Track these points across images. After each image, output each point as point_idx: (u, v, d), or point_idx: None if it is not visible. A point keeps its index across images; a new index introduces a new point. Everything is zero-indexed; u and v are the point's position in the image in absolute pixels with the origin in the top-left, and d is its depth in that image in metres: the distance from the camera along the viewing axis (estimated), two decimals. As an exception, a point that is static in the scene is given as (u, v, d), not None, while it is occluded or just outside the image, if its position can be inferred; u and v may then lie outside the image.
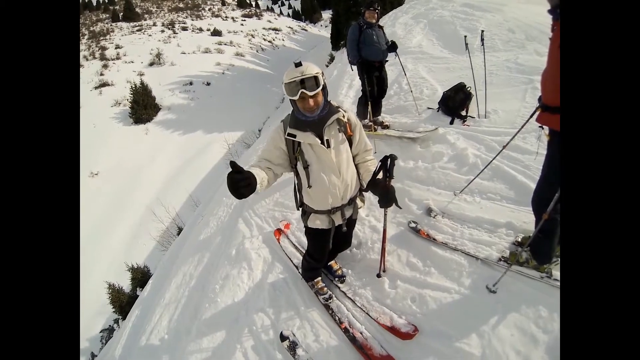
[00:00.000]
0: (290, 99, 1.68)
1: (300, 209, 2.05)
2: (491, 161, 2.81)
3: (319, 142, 1.72)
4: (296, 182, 1.95)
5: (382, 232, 2.22)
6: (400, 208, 1.87)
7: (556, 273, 2.04)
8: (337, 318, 2.22)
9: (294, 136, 1.72)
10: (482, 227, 2.53)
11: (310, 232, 2.12)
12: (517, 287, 2.05)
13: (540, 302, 1.92)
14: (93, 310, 7.84)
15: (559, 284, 1.97)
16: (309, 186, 1.83)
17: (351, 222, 2.18)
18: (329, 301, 2.35)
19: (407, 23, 9.44)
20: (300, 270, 2.66)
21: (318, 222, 1.97)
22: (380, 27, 4.09)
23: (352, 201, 1.99)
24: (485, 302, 2.03)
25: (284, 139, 1.76)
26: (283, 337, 2.27)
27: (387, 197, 1.72)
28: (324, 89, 1.69)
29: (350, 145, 1.87)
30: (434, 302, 2.13)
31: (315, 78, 1.60)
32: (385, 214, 2.09)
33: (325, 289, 2.44)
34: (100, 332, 7.38)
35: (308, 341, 2.23)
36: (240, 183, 1.38)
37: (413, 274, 2.37)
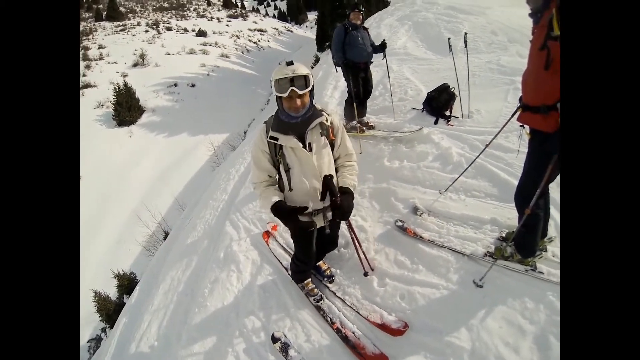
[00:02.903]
0: (277, 96, 1.69)
1: None
2: (474, 160, 2.88)
3: (301, 145, 1.73)
4: (279, 183, 1.96)
5: (355, 238, 2.31)
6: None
7: (540, 266, 2.11)
8: (328, 319, 2.23)
9: (276, 139, 1.73)
10: (467, 224, 2.59)
11: (296, 237, 2.13)
12: (503, 281, 2.11)
13: (526, 294, 1.98)
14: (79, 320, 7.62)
15: (543, 276, 2.04)
16: (290, 189, 1.84)
17: (334, 224, 2.19)
18: (320, 302, 2.36)
19: (392, 25, 9.56)
20: (289, 272, 2.66)
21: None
22: (365, 29, 4.13)
23: None
24: (472, 297, 2.09)
25: (266, 142, 1.77)
26: (275, 339, 2.27)
27: (339, 214, 1.78)
28: (312, 90, 1.71)
29: (332, 148, 1.89)
30: (423, 299, 2.17)
31: (306, 78, 1.62)
32: (348, 225, 2.20)
33: (316, 290, 2.45)
34: (88, 342, 7.17)
35: (300, 342, 2.23)
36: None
37: (401, 272, 2.41)
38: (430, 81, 5.29)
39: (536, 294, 1.96)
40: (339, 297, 2.37)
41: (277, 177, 1.91)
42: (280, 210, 1.75)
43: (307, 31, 40.13)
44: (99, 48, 25.12)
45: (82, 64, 22.06)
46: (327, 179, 1.70)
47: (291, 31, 42.02)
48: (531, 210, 1.86)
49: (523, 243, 2.10)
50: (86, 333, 7.42)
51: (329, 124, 1.82)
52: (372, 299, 2.31)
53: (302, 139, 1.74)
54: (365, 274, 2.39)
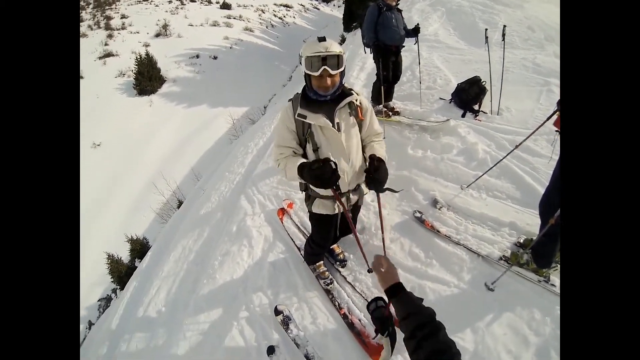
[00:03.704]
0: (305, 74, 1.61)
1: (304, 192, 1.99)
2: (501, 160, 2.78)
3: (330, 124, 1.65)
4: None
5: (380, 218, 2.15)
6: (397, 192, 1.80)
7: (554, 278, 2.06)
8: (336, 303, 2.24)
9: (305, 117, 1.64)
10: (486, 224, 2.54)
11: (314, 217, 2.06)
12: (514, 288, 2.08)
13: (535, 304, 1.96)
14: (91, 279, 7.90)
15: (555, 289, 1.99)
16: None
17: (356, 208, 2.15)
18: (330, 286, 2.36)
19: (424, 10, 9.14)
20: (302, 252, 2.67)
21: (323, 208, 1.92)
22: (400, 11, 3.92)
23: (358, 187, 1.93)
24: (482, 299, 2.07)
25: (293, 120, 1.68)
26: (277, 312, 2.31)
27: (374, 181, 1.63)
28: (343, 70, 1.63)
29: (360, 129, 1.81)
30: (433, 294, 2.16)
31: (339, 57, 1.55)
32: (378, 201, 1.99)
33: (327, 273, 2.45)
34: (98, 301, 7.45)
35: (305, 323, 2.26)
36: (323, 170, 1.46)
37: (414, 264, 2.39)
38: (460, 72, 5.08)
39: (545, 306, 1.94)
40: (349, 283, 2.38)
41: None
42: (310, 165, 1.54)
43: (335, 10, 38.77)
44: (121, 18, 24.93)
45: (104, 33, 21.99)
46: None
47: (318, 9, 40.77)
48: (555, 221, 1.79)
49: (542, 253, 2.04)
50: (97, 292, 7.73)
51: (358, 103, 1.74)
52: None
53: (330, 118, 1.66)
54: (369, 271, 2.33)
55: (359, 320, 2.10)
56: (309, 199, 1.96)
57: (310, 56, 1.53)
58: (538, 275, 2.09)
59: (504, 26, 3.90)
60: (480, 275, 2.20)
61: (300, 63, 1.61)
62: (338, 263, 2.54)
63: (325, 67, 1.52)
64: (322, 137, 1.69)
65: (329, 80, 1.57)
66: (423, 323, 0.96)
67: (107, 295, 7.43)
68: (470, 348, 1.85)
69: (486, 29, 4.11)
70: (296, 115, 1.67)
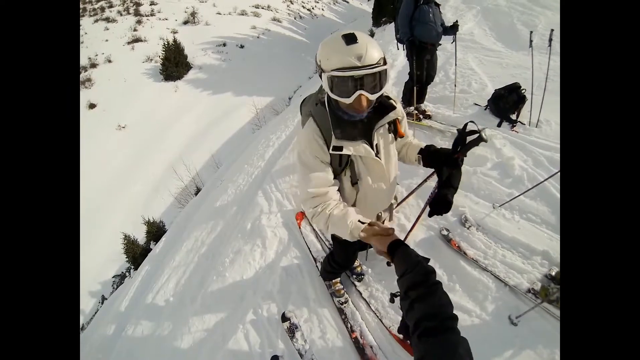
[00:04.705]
0: (333, 97, 1.16)
1: None
2: (542, 182, 2.51)
3: (373, 153, 1.29)
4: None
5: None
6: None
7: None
8: (349, 325, 2.10)
9: (341, 149, 1.24)
10: (516, 250, 2.31)
11: (339, 241, 1.77)
12: (539, 324, 1.90)
13: (558, 344, 1.77)
14: (108, 257, 8.19)
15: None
16: (354, 204, 1.44)
17: None
18: (344, 305, 2.22)
19: (458, 7, 8.69)
20: (318, 264, 2.53)
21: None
22: (437, 5, 3.60)
23: (390, 205, 1.69)
24: (503, 333, 1.91)
25: (326, 150, 1.25)
26: (284, 318, 2.23)
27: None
28: None
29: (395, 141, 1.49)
30: (452, 322, 1.99)
31: (381, 73, 1.09)
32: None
33: (343, 291, 2.29)
34: (113, 277, 7.71)
35: (313, 336, 2.15)
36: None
37: (436, 287, 2.22)
38: (497, 77, 4.74)
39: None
40: (364, 299, 2.23)
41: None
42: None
43: (364, 3, 37.92)
44: (150, 4, 25.29)
45: (133, 19, 22.37)
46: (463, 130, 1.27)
47: (347, 2, 40.02)
48: None
49: None
50: (112, 269, 8.00)
51: (397, 116, 1.36)
52: (399, 309, 2.15)
53: (369, 141, 1.29)
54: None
55: (371, 347, 1.95)
56: None
57: (337, 76, 1.06)
58: (567, 313, 1.89)
59: (552, 30, 3.53)
60: (504, 306, 2.01)
61: (320, 76, 1.15)
62: (355, 277, 2.39)
63: (362, 91, 1.08)
64: (362, 166, 1.34)
65: (364, 101, 1.13)
66: (416, 283, 0.89)
67: (122, 272, 7.66)
68: (485, 385, 1.69)
69: (531, 32, 3.77)
70: (331, 150, 1.25)
